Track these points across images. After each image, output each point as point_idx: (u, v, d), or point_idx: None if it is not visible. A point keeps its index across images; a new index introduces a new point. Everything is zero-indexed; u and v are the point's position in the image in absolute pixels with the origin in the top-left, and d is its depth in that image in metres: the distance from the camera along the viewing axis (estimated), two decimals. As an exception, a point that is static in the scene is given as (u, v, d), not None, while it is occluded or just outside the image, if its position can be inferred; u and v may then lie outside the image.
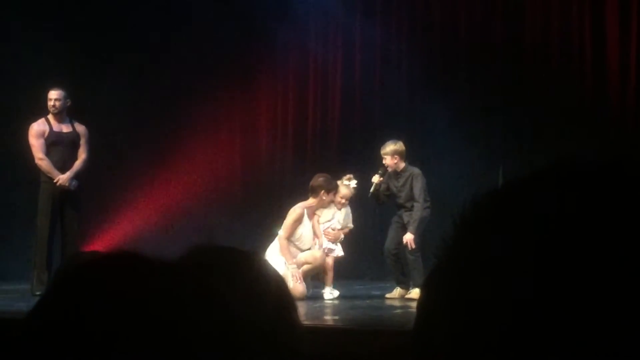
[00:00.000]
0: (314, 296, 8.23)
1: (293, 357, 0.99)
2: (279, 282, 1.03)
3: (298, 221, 8.27)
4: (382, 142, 8.60)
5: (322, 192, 8.28)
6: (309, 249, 8.38)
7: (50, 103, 8.61)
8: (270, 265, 1.05)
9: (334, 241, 8.45)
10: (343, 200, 8.44)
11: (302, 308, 6.64)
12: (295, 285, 7.90)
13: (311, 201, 8.35)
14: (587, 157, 0.67)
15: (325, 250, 8.40)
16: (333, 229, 8.45)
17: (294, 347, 1.01)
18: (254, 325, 0.88)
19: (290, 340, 1.00)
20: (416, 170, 8.42)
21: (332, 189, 8.29)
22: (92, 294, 0.81)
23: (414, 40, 10.97)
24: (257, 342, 0.88)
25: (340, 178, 8.51)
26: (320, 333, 5.30)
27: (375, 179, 8.40)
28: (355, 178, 8.57)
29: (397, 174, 8.41)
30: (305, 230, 8.33)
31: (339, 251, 8.48)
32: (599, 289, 0.60)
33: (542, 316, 0.61)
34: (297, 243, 8.35)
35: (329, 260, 8.38)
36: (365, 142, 10.48)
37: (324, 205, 8.35)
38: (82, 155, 8.68)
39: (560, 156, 0.71)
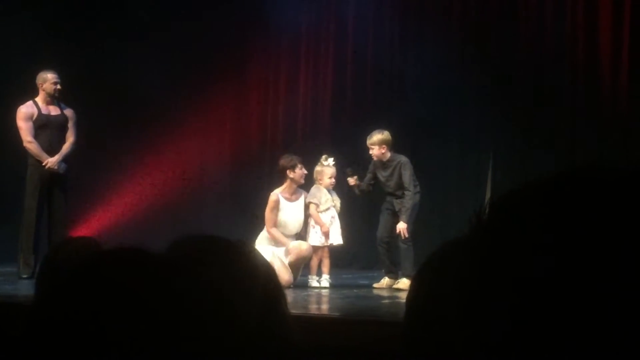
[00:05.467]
0: (302, 285, 8.22)
1: (282, 346, 0.98)
2: (268, 271, 1.01)
3: (275, 209, 8.26)
4: (374, 128, 8.54)
5: (287, 171, 8.29)
6: (297, 233, 8.37)
7: (56, 86, 8.56)
8: (260, 254, 1.03)
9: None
10: (333, 180, 8.43)
11: (289, 297, 6.64)
12: (281, 273, 7.88)
13: (284, 185, 8.35)
14: (606, 164, 0.66)
15: (333, 244, 8.36)
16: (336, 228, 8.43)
17: (283, 336, 1.00)
18: (246, 314, 0.88)
19: (279, 329, 0.99)
20: (403, 159, 8.37)
21: (294, 164, 8.30)
22: (94, 292, 0.83)
23: (407, 21, 10.92)
24: (248, 331, 0.88)
25: (321, 162, 8.49)
26: (308, 322, 5.29)
27: (351, 181, 8.37)
28: (346, 164, 8.61)
29: (383, 163, 8.37)
30: (285, 215, 8.31)
31: (335, 239, 8.42)
32: (619, 305, 0.59)
33: (546, 323, 0.60)
34: (281, 230, 8.33)
35: (325, 249, 8.35)
36: (356, 128, 10.47)
37: (297, 182, 8.33)
38: (70, 138, 8.65)
39: (580, 163, 0.70)
